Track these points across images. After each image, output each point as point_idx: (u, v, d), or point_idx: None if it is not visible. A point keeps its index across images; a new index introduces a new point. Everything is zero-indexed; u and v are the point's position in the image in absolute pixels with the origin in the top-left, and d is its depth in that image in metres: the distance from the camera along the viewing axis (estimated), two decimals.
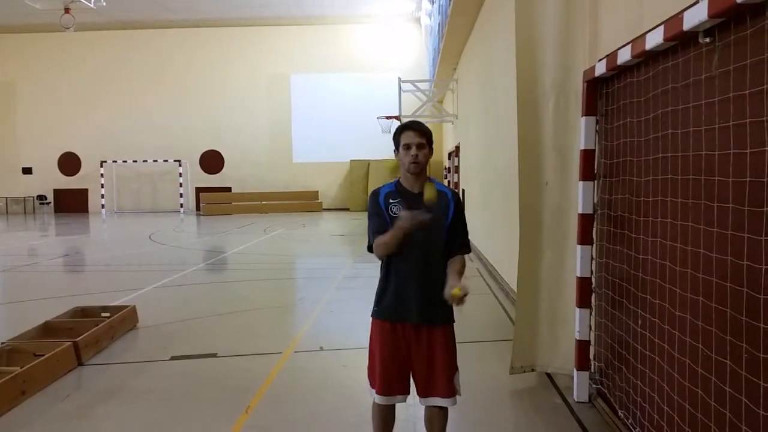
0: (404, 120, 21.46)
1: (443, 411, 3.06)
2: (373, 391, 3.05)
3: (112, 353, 5.68)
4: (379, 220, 3.00)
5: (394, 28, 31.20)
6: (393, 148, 3.06)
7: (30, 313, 7.04)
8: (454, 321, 3.07)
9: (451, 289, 2.75)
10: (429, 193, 2.86)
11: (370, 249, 3.06)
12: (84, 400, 4.57)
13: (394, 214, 2.92)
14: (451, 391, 2.99)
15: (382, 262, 3.04)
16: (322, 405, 4.38)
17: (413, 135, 2.94)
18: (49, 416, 4.24)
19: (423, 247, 2.93)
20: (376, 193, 3.07)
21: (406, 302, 2.94)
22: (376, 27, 31.19)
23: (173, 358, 5.47)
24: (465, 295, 2.75)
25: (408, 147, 2.94)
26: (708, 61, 2.61)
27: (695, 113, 2.75)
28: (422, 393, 3.02)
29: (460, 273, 2.94)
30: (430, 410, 3.09)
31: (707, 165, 2.63)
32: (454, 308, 2.96)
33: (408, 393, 3.04)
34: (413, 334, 2.97)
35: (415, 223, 2.77)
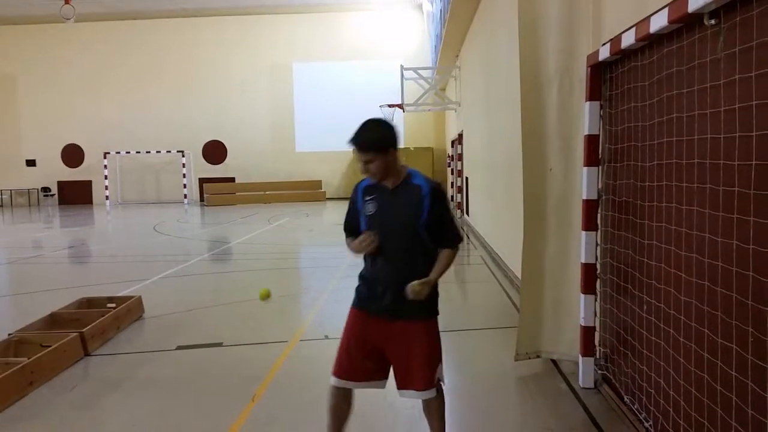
0: (406, 108, 21.32)
1: (437, 399, 3.04)
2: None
3: (118, 343, 5.70)
4: (350, 218, 3.07)
5: (395, 15, 30.99)
6: (368, 157, 2.90)
7: (36, 305, 7.07)
8: (437, 314, 3.04)
9: (411, 287, 2.79)
10: (262, 294, 2.96)
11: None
12: (91, 390, 4.60)
13: (369, 212, 2.93)
14: (428, 384, 2.94)
15: None
16: (328, 393, 4.38)
17: (359, 154, 2.85)
18: (57, 406, 4.27)
19: (395, 247, 2.90)
20: (356, 188, 3.07)
21: (380, 298, 2.94)
22: (378, 14, 30.98)
23: (179, 348, 5.50)
24: (416, 290, 2.78)
25: (360, 162, 2.87)
26: (713, 43, 2.58)
27: (700, 96, 2.72)
28: (399, 385, 3.01)
29: (440, 270, 2.92)
30: (425, 399, 3.07)
31: (713, 149, 2.61)
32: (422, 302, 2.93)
33: (358, 382, 3.03)
34: (387, 327, 2.94)
35: (363, 249, 2.86)
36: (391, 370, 3.04)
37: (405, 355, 2.95)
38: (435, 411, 3.07)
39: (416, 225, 2.88)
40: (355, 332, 3.01)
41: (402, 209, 2.89)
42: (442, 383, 3.05)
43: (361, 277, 3.07)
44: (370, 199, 2.95)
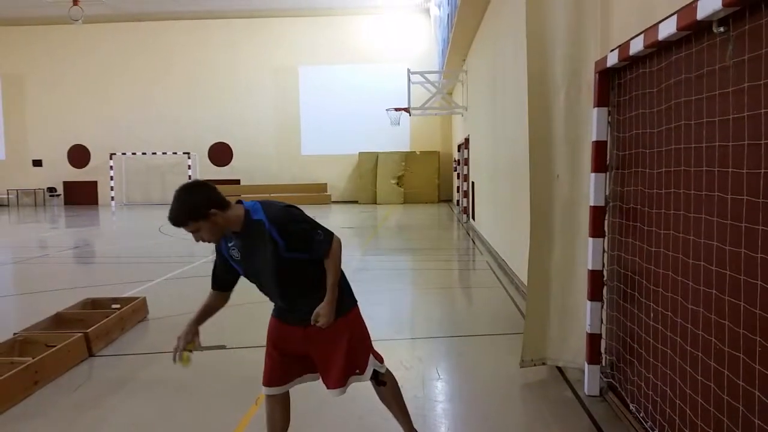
0: (413, 112, 21.32)
1: (385, 385, 3.16)
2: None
3: (122, 344, 5.71)
4: (216, 266, 3.05)
5: (402, 19, 31.04)
6: (189, 229, 2.75)
7: (41, 305, 7.09)
8: (347, 309, 3.03)
9: (315, 314, 2.89)
10: (185, 360, 3.06)
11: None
12: (95, 391, 4.60)
13: (235, 258, 2.90)
14: (340, 382, 3.01)
15: None
16: (331, 396, 4.38)
17: (178, 228, 2.73)
18: (61, 406, 4.28)
19: (275, 281, 2.89)
20: None
21: (289, 314, 3.03)
22: (385, 18, 31.03)
23: (183, 350, 5.47)
24: (317, 322, 2.90)
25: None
26: (722, 51, 2.57)
27: (709, 104, 2.71)
28: (325, 384, 3.10)
29: (333, 287, 2.90)
30: (375, 388, 3.20)
31: (721, 157, 2.60)
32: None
33: (282, 384, 3.11)
34: (303, 332, 3.00)
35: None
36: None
37: (321, 356, 3.03)
38: (388, 399, 3.21)
39: (279, 257, 2.79)
40: (274, 338, 3.09)
41: (258, 249, 2.83)
42: (379, 371, 3.13)
43: None
44: (232, 245, 2.88)
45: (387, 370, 3.20)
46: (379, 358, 3.17)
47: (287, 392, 3.17)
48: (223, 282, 3.04)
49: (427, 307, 7.46)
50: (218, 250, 2.97)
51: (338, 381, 3.00)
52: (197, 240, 2.76)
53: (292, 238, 2.78)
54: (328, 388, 3.06)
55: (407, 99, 20.10)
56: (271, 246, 2.76)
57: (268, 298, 3.08)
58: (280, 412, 3.17)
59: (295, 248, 2.80)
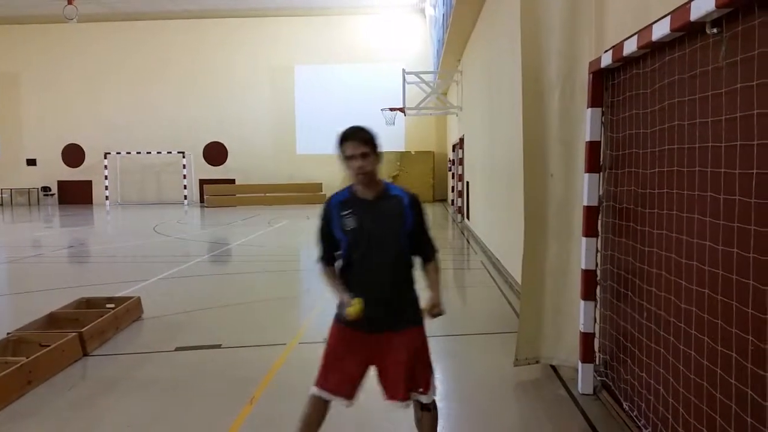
0: (408, 112, 21.36)
1: (429, 413, 3.01)
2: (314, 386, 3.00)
3: (116, 344, 5.70)
4: (328, 239, 2.97)
5: (398, 19, 31.05)
6: (366, 150, 2.80)
7: (35, 304, 7.07)
8: (422, 322, 3.00)
9: (432, 306, 2.88)
10: (353, 310, 2.73)
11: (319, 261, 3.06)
12: (89, 390, 4.59)
13: (348, 227, 2.85)
14: (402, 395, 2.91)
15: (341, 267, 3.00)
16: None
17: (355, 145, 2.77)
18: (55, 405, 4.27)
19: (380, 260, 2.86)
20: (328, 204, 2.97)
21: (368, 312, 2.85)
22: (380, 18, 31.04)
23: (178, 349, 5.49)
24: (438, 312, 2.88)
25: (351, 158, 2.78)
26: (715, 52, 2.59)
27: (702, 104, 2.73)
28: (387, 395, 2.97)
29: (438, 284, 2.97)
30: (416, 411, 3.04)
31: (714, 157, 2.61)
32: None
33: (340, 396, 2.97)
34: (372, 341, 2.93)
35: (344, 306, 2.81)
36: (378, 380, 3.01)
37: (391, 366, 2.92)
38: (427, 426, 3.03)
39: (400, 236, 2.87)
40: (344, 347, 2.97)
41: (385, 221, 2.85)
42: (434, 396, 3.01)
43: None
44: (347, 214, 2.86)
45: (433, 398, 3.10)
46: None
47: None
48: (335, 257, 3.00)
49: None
50: (326, 222, 2.95)
51: (404, 393, 2.91)
52: (359, 166, 2.77)
53: (418, 223, 2.91)
54: (392, 399, 2.92)
55: (402, 99, 20.10)
56: (399, 222, 2.86)
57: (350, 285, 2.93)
58: (322, 416, 3.07)
59: (412, 237, 2.88)
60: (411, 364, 2.91)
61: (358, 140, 2.78)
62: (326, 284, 3.00)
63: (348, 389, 2.97)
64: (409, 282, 2.96)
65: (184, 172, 31.49)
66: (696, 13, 2.51)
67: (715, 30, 2.53)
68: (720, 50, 2.54)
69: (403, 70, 20.29)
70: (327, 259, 3.02)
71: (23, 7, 29.12)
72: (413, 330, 2.96)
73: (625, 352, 3.76)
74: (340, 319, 2.97)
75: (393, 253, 2.87)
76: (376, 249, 2.85)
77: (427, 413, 3.01)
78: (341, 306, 2.87)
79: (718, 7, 2.35)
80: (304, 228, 18.22)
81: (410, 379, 2.91)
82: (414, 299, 2.99)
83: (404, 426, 3.74)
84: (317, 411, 3.02)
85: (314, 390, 2.99)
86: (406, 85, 20.01)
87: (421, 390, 2.96)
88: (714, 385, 2.60)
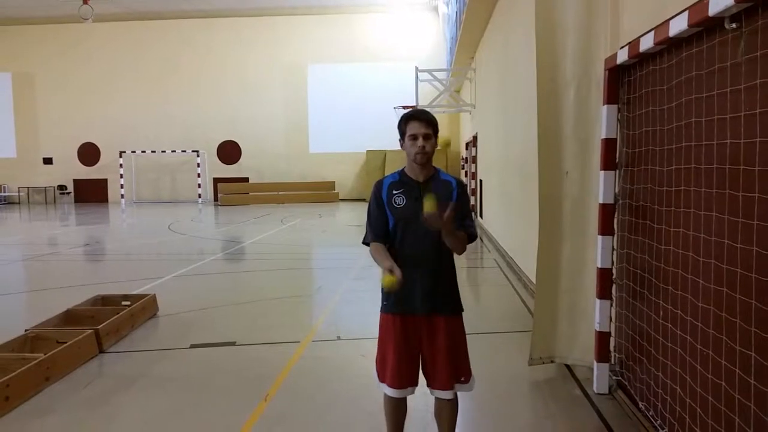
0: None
1: (450, 403, 3.05)
2: (384, 384, 3.05)
3: (132, 341, 5.75)
4: (377, 217, 3.01)
5: (410, 17, 31.03)
6: (429, 132, 2.92)
7: (52, 302, 7.14)
8: (461, 311, 3.06)
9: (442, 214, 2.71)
10: (429, 205, 2.71)
11: (366, 242, 3.07)
12: (105, 387, 4.63)
13: (397, 204, 2.95)
14: (450, 384, 2.97)
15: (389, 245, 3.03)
16: (340, 394, 4.40)
17: (419, 125, 2.89)
18: (72, 402, 4.31)
19: (428, 239, 2.89)
20: (379, 184, 3.05)
21: (412, 293, 2.92)
22: (393, 16, 31.03)
23: (192, 347, 5.52)
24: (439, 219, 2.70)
25: (414, 138, 2.89)
26: (734, 47, 2.55)
27: (720, 101, 2.69)
28: (429, 383, 3.04)
29: (456, 234, 2.87)
30: (438, 402, 3.09)
31: (732, 154, 2.58)
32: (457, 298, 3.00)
33: (416, 385, 3.04)
34: (422, 324, 2.97)
35: (390, 279, 2.74)
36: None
37: (433, 352, 2.97)
38: (448, 416, 3.07)
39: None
40: (400, 337, 2.98)
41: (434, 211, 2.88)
42: (465, 383, 3.04)
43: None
44: (398, 193, 2.97)
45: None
46: None
47: None
48: (384, 234, 3.01)
49: None
50: (377, 200, 3.00)
51: (449, 382, 2.97)
52: (421, 145, 2.88)
53: (462, 203, 2.95)
54: (438, 389, 2.99)
55: (415, 97, 20.07)
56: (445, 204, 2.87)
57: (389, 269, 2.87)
58: (404, 411, 3.13)
59: (455, 218, 2.80)
60: (453, 352, 2.97)
61: (424, 121, 2.91)
62: (374, 258, 2.97)
63: (411, 379, 3.02)
64: (452, 266, 3.02)
65: (198, 170, 31.70)
66: (715, 8, 2.48)
67: (734, 25, 2.50)
68: (739, 46, 2.50)
69: (416, 68, 20.25)
70: (375, 236, 3.03)
71: (38, 8, 29.43)
72: (455, 319, 3.02)
73: (642, 351, 3.72)
74: (385, 309, 3.03)
75: (436, 235, 2.88)
76: (421, 231, 2.87)
77: (448, 404, 3.05)
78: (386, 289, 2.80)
79: (737, 2, 2.32)
80: (316, 226, 18.26)
81: (454, 367, 2.97)
82: (455, 287, 3.04)
83: (412, 419, 3.73)
84: (397, 408, 3.11)
85: (387, 390, 3.04)
86: (419, 83, 19.98)
87: (462, 379, 3.02)
88: (732, 384, 2.57)
